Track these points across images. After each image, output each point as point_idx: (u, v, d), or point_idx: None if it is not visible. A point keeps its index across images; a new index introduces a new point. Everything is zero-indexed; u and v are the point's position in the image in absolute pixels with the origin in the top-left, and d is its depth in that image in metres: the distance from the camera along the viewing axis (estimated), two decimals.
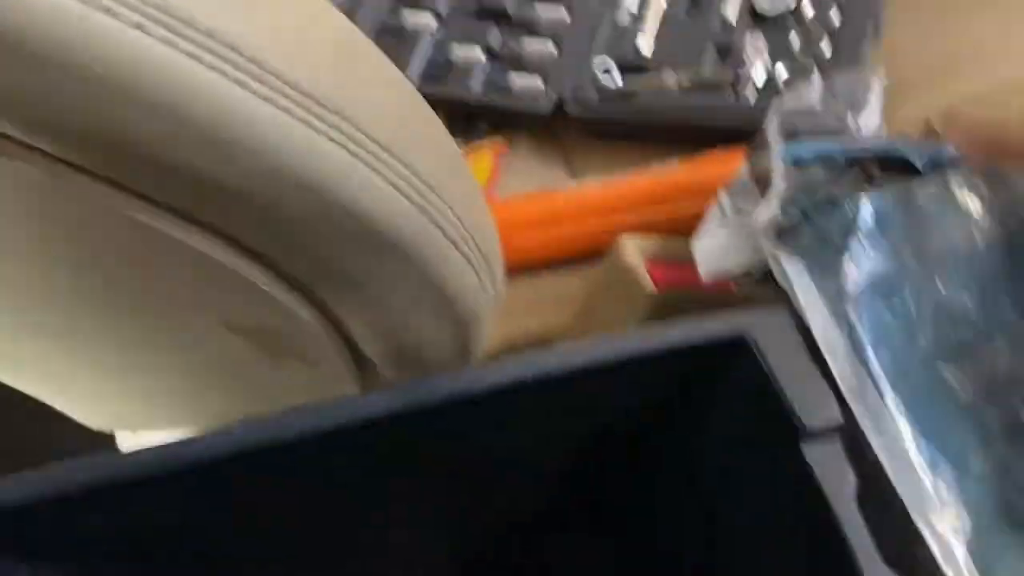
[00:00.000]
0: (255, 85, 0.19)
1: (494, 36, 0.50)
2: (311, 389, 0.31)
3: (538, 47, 0.50)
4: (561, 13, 0.50)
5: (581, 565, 0.37)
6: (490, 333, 0.41)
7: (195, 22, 0.18)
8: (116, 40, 0.18)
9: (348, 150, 0.22)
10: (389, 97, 0.24)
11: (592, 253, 0.42)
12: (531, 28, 0.50)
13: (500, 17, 0.51)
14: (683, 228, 0.41)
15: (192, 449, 0.27)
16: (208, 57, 0.19)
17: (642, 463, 0.31)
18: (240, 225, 0.23)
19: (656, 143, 0.46)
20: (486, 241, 0.29)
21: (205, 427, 0.34)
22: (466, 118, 0.50)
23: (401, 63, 0.51)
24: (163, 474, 0.27)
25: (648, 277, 0.34)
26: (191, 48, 0.18)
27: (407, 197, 0.24)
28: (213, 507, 0.29)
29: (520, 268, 0.43)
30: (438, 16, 0.52)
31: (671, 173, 0.41)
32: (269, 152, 0.20)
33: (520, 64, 0.49)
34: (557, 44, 0.49)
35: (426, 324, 0.28)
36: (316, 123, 0.21)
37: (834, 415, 0.27)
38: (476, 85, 0.49)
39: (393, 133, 0.23)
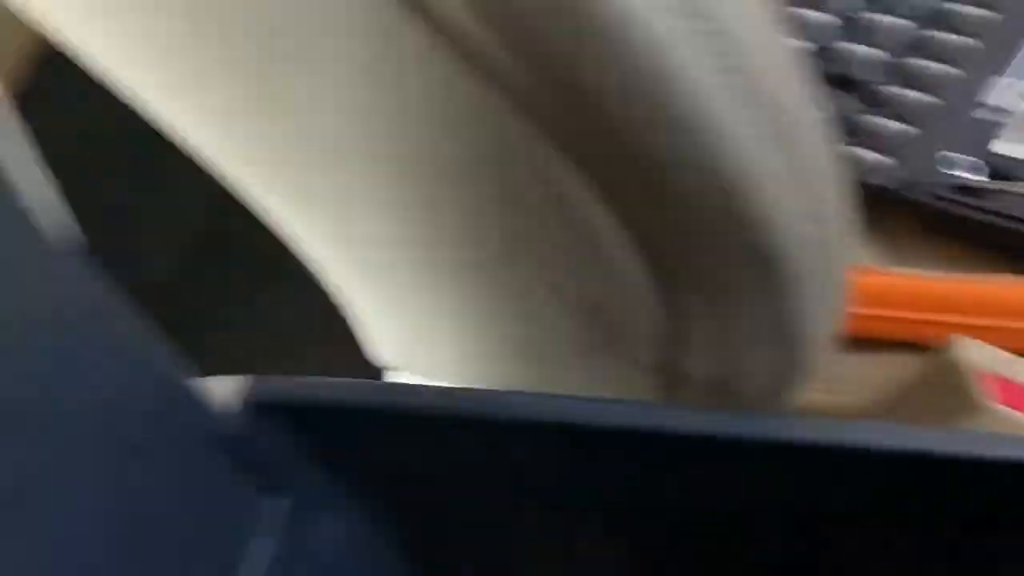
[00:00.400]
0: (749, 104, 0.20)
1: (847, 105, 0.49)
2: (609, 387, 0.32)
3: (892, 125, 0.48)
4: (927, 98, 0.48)
5: None
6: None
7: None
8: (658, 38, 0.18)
9: (789, 166, 0.22)
10: (823, 140, 0.24)
11: (902, 342, 0.40)
12: (890, 106, 0.48)
13: (858, 88, 0.50)
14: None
15: (513, 403, 0.27)
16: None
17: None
18: (650, 212, 0.23)
19: (997, 252, 0.43)
20: (843, 301, 0.28)
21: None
22: None
23: None
24: (478, 418, 0.28)
25: (984, 387, 0.32)
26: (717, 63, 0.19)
27: (818, 231, 0.23)
28: (505, 463, 0.29)
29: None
30: None
31: None
32: (724, 146, 0.20)
33: (869, 139, 0.48)
34: (915, 127, 0.47)
35: (760, 359, 0.28)
36: (772, 134, 0.21)
37: None
38: None
39: (824, 170, 0.23)
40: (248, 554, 0.29)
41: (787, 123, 0.22)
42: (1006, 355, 0.34)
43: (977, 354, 0.33)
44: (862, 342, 0.41)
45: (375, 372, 0.43)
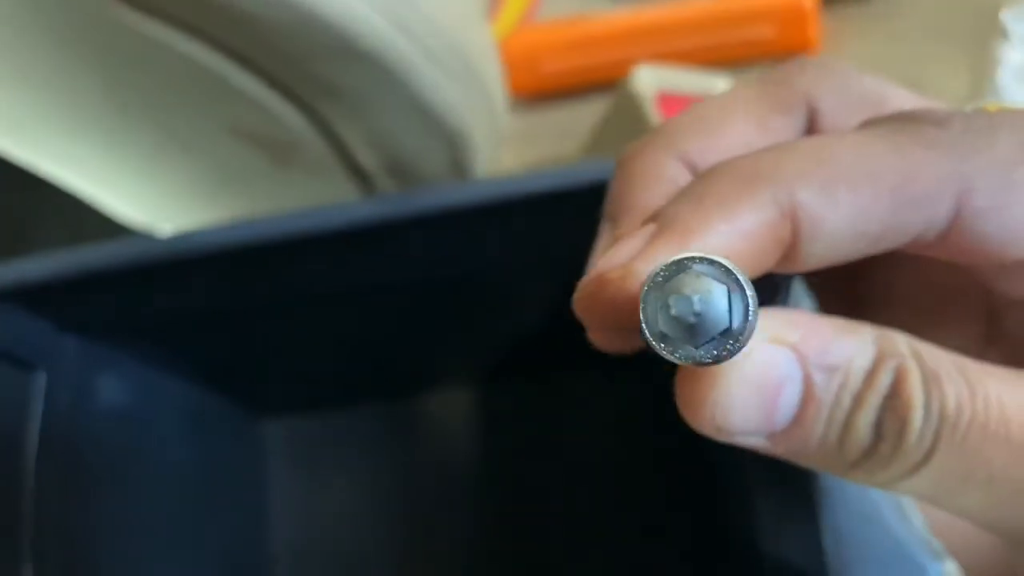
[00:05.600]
0: None
1: None
2: (319, 198, 0.34)
3: None
4: None
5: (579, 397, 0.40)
6: (508, 155, 0.42)
7: None
8: None
9: None
10: None
11: (618, 81, 0.43)
12: None
13: None
14: (712, 59, 0.40)
15: (195, 239, 0.30)
16: None
17: None
18: (226, 33, 0.24)
19: None
20: (477, 61, 0.30)
21: None
22: None
23: None
24: (186, 257, 0.30)
25: (655, 108, 0.35)
26: None
27: (380, 12, 0.25)
28: (223, 291, 0.32)
29: (548, 94, 0.44)
30: None
31: (707, 3, 0.40)
32: None
33: None
34: None
35: (413, 137, 0.30)
36: None
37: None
38: None
39: None
40: (27, 429, 0.32)
41: None
42: (678, 72, 0.37)
43: (651, 78, 0.36)
44: (586, 88, 0.43)
45: None
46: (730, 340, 0.12)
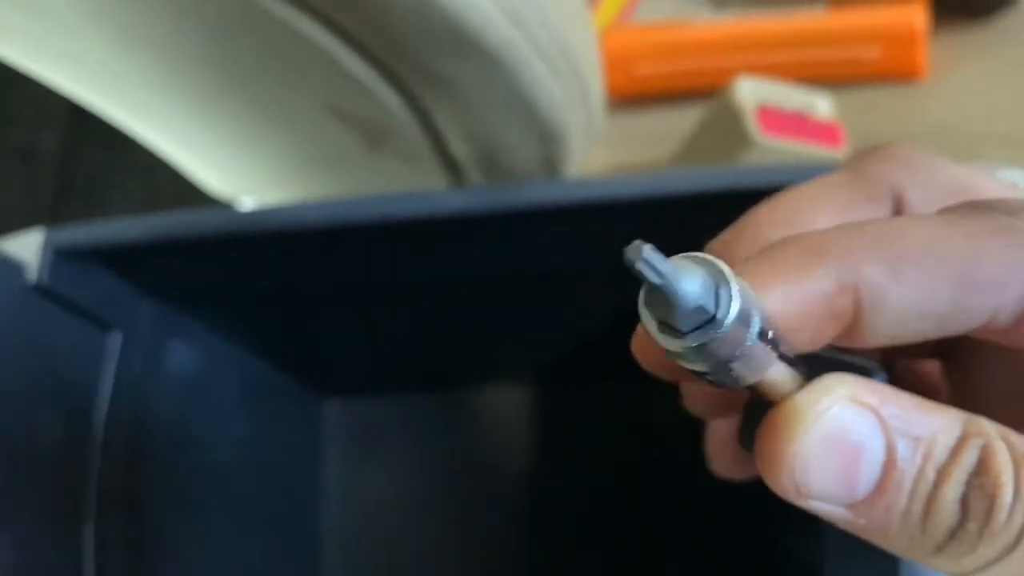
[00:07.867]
0: None
1: None
2: (406, 184, 0.34)
3: None
4: None
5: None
6: (597, 157, 0.42)
7: None
8: None
9: None
10: None
11: (715, 90, 0.42)
12: None
13: None
14: (814, 76, 0.39)
15: (281, 216, 0.30)
16: None
17: None
18: (342, 13, 0.24)
19: None
20: (581, 60, 0.29)
21: None
22: None
23: None
24: (263, 232, 0.30)
25: (756, 122, 0.34)
26: None
27: (497, 4, 0.24)
28: (303, 269, 0.32)
29: (641, 97, 0.43)
30: None
31: (812, 18, 0.39)
32: None
33: None
34: None
35: (511, 132, 0.29)
36: None
37: None
38: None
39: None
40: (99, 386, 0.32)
41: None
42: (779, 86, 0.36)
43: (752, 90, 0.35)
44: (680, 94, 0.42)
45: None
46: (714, 328, 0.12)
